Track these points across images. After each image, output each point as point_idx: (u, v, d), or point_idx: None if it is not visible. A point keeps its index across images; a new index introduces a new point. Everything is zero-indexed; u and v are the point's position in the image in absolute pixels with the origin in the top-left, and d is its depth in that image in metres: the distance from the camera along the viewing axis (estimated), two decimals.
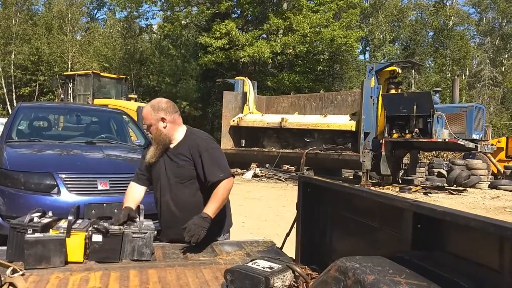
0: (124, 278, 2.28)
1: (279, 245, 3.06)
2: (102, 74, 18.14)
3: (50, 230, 2.48)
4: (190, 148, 2.93)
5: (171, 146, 2.99)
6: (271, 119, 17.40)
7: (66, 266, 2.37)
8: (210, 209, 2.78)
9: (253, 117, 18.15)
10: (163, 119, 2.92)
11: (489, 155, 17.18)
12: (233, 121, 18.39)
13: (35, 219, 2.50)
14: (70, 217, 2.49)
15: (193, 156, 2.92)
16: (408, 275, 1.38)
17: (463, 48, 39.35)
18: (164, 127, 2.93)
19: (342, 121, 15.44)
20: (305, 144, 16.45)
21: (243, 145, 18.86)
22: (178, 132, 3.00)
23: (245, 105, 18.76)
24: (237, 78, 20.34)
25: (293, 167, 19.54)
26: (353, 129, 14.96)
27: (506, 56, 43.82)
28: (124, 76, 19.86)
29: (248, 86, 19.05)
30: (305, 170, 15.60)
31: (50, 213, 2.66)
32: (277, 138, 17.53)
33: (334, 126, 15.51)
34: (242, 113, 18.51)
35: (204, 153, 2.91)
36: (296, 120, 16.66)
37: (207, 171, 2.88)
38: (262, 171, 17.12)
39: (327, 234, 2.42)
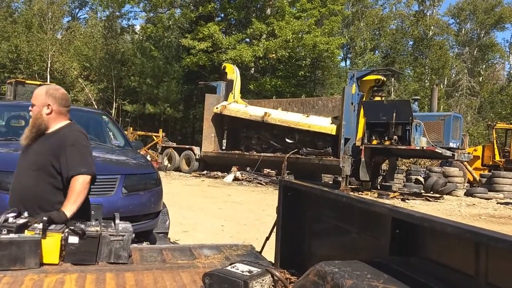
0: (100, 281, 2.25)
1: (258, 249, 3.05)
2: (27, 81, 20.15)
3: (26, 231, 2.43)
4: (59, 139, 2.85)
5: (46, 133, 2.89)
6: (254, 112, 17.39)
7: (41, 267, 2.32)
8: (67, 206, 2.68)
9: (237, 106, 18.09)
10: (49, 106, 2.85)
11: (465, 163, 17.50)
12: (217, 108, 18.35)
13: (10, 220, 2.44)
14: (45, 218, 2.45)
15: (58, 147, 2.81)
16: (386, 280, 1.40)
17: (442, 58, 40.06)
18: (47, 114, 2.86)
19: (323, 123, 15.54)
20: (286, 146, 16.53)
21: (224, 146, 18.88)
22: (58, 124, 2.92)
23: (230, 93, 18.67)
24: (224, 64, 20.34)
25: (273, 171, 19.59)
26: (333, 133, 15.08)
27: (484, 66, 44.79)
28: (48, 84, 21.27)
29: (236, 74, 18.96)
30: (286, 174, 15.66)
31: (25, 214, 2.60)
32: (258, 139, 17.57)
33: (315, 128, 15.60)
34: (226, 101, 18.46)
35: (70, 146, 2.80)
36: (279, 116, 16.67)
37: (70, 165, 2.76)
38: (243, 175, 17.11)
39: (306, 238, 2.42)
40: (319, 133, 15.60)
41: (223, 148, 19.04)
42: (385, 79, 15.45)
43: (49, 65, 31.90)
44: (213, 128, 18.88)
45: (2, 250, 2.26)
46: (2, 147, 4.58)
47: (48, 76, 31.76)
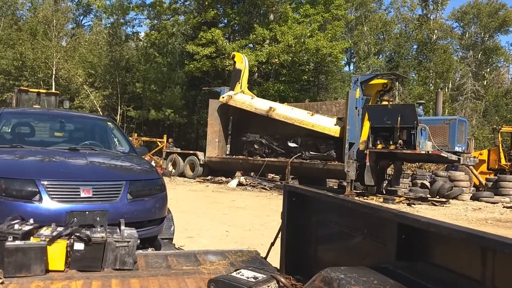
0: None
1: (263, 254, 3.04)
2: (30, 90, 20.81)
3: (31, 237, 2.44)
4: None
5: None
6: (260, 105, 17.32)
7: (46, 274, 2.33)
8: None
9: (243, 97, 18.01)
10: None
11: (471, 167, 17.41)
12: (223, 97, 18.31)
13: (16, 226, 2.45)
14: (53, 225, 2.46)
15: None
16: (392, 285, 1.39)
17: (446, 62, 39.97)
18: None
19: (327, 124, 15.49)
20: (289, 150, 16.50)
21: (228, 151, 18.88)
22: None
23: (238, 83, 18.59)
24: (234, 53, 20.35)
25: (277, 176, 19.57)
26: (337, 135, 15.04)
27: (488, 70, 44.67)
28: (53, 92, 22.60)
29: (244, 64, 18.86)
30: (290, 179, 15.63)
31: (31, 221, 2.61)
32: (261, 143, 17.56)
33: (318, 128, 15.55)
34: (233, 90, 18.43)
35: None
36: (283, 111, 16.61)
37: None
38: (247, 180, 17.09)
39: (312, 244, 2.41)
40: (322, 136, 15.56)
41: (227, 153, 19.04)
42: (391, 83, 15.40)
43: (54, 72, 32.06)
44: (217, 133, 18.88)
45: (8, 257, 2.26)
46: (7, 154, 4.59)
47: (53, 83, 31.94)
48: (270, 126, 17.10)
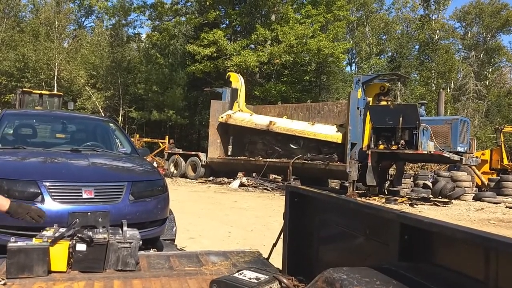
0: None
1: (265, 255, 3.04)
2: (33, 91, 20.99)
3: (33, 238, 2.44)
4: None
5: None
6: (260, 121, 17.41)
7: (49, 275, 2.33)
8: None
9: (242, 115, 18.11)
10: None
11: (473, 167, 17.38)
12: (222, 117, 18.37)
13: None
14: (55, 226, 2.46)
15: None
16: (395, 286, 1.38)
17: (448, 62, 39.89)
18: None
19: (328, 132, 15.51)
20: (291, 151, 16.51)
21: (230, 152, 18.88)
22: None
23: (235, 102, 18.69)
24: (229, 73, 20.43)
25: (279, 177, 19.57)
26: (339, 141, 15.04)
27: (490, 70, 44.58)
28: (57, 93, 22.78)
29: (240, 83, 18.98)
30: (292, 179, 15.63)
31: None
32: (263, 144, 17.57)
33: (320, 136, 15.58)
34: (231, 109, 18.50)
35: None
36: (284, 124, 16.68)
37: None
38: (249, 180, 17.09)
39: (314, 245, 2.41)
40: (325, 141, 15.59)
41: (229, 154, 19.06)
42: (390, 85, 15.39)
43: (56, 74, 32.13)
44: (218, 134, 18.94)
45: (11, 258, 2.26)
46: (10, 155, 4.60)
47: (55, 85, 32.00)
48: (272, 132, 17.14)
